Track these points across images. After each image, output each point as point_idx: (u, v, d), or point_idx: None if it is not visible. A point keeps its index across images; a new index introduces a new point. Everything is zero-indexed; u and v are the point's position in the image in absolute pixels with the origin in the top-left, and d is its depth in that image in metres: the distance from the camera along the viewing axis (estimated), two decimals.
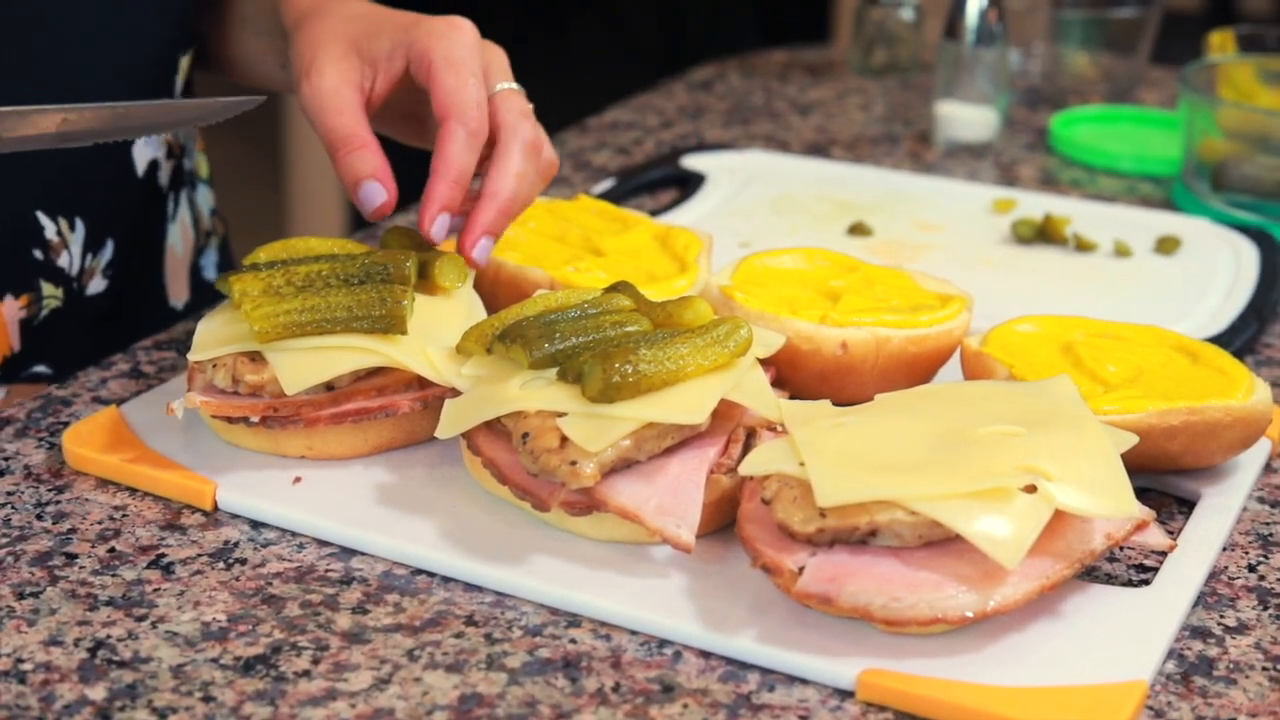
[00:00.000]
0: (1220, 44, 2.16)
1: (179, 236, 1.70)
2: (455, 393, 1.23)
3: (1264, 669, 1.06)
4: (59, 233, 1.51)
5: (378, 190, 1.32)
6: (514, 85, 1.39)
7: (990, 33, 2.04)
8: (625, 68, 4.01)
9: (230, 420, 1.24)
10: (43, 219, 1.49)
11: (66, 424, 1.33)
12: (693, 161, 1.96)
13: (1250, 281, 1.62)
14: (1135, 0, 2.30)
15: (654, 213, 1.78)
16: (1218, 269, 1.66)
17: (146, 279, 1.67)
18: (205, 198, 1.79)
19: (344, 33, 1.39)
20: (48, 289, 1.51)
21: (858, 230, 1.76)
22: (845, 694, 1.03)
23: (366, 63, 1.38)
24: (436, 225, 1.31)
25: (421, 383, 1.26)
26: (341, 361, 1.23)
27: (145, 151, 1.60)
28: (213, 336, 1.27)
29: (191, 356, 1.26)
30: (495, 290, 1.41)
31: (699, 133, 2.17)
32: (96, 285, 1.56)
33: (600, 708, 1.01)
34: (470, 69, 1.35)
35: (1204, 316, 1.55)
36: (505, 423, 1.17)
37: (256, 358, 1.24)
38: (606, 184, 1.86)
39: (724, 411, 1.19)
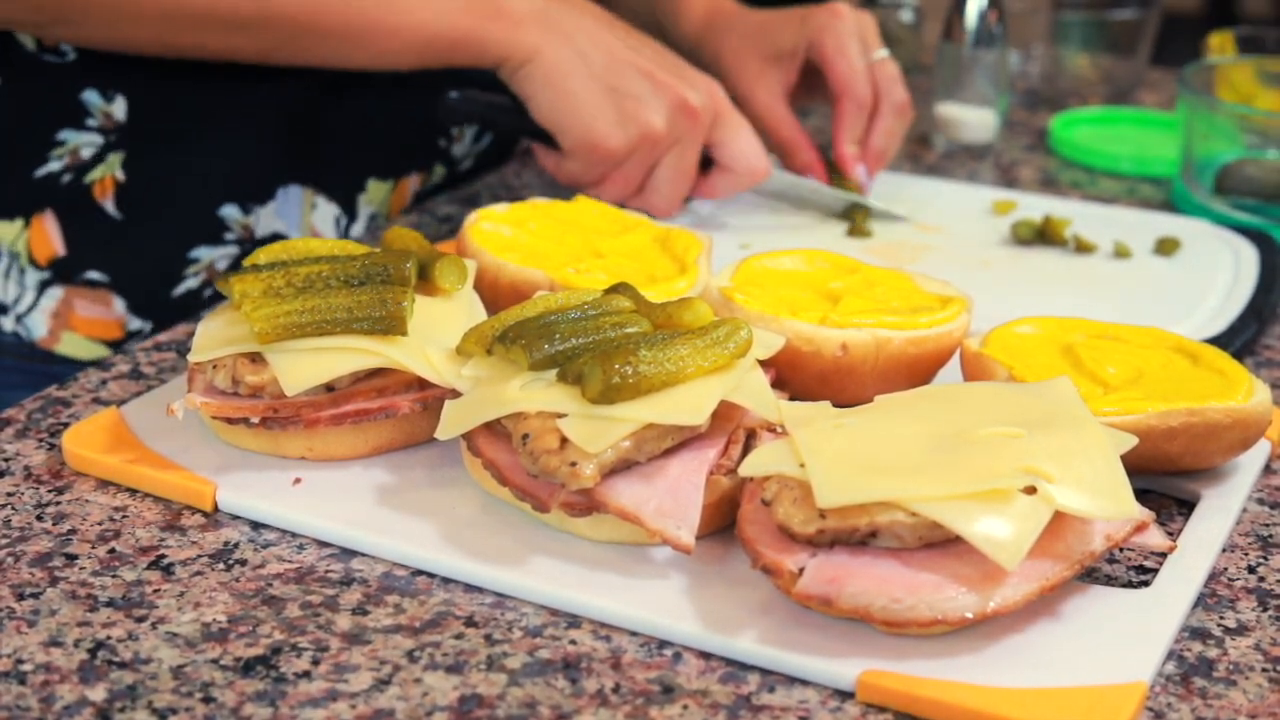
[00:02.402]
0: (1220, 45, 2.16)
1: None
2: (455, 394, 1.23)
3: (1264, 670, 1.06)
4: (462, 128, 1.90)
5: (821, 170, 1.84)
6: (885, 53, 1.85)
7: (990, 34, 2.03)
8: None
9: (230, 421, 1.24)
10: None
11: (67, 425, 1.33)
12: None
13: (1250, 283, 1.62)
14: (1135, 2, 2.30)
15: (654, 214, 1.78)
16: (1217, 270, 1.66)
17: (498, 166, 2.03)
18: None
19: (754, 50, 1.86)
20: (439, 169, 1.91)
21: (857, 232, 1.76)
22: (845, 695, 1.03)
23: (781, 66, 1.86)
24: (859, 172, 1.83)
25: (421, 384, 1.26)
26: (342, 362, 1.23)
27: None
28: (213, 337, 1.27)
29: (192, 357, 1.26)
30: (495, 292, 1.41)
31: None
32: (467, 164, 1.96)
33: (600, 709, 1.01)
34: (856, 51, 1.82)
35: (1203, 318, 1.55)
36: (505, 424, 1.17)
37: (257, 359, 1.24)
38: None
39: (724, 413, 1.19)
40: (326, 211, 1.76)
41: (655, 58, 1.68)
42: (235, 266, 1.70)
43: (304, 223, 1.74)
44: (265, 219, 1.72)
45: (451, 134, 1.90)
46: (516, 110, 1.68)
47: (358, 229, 1.81)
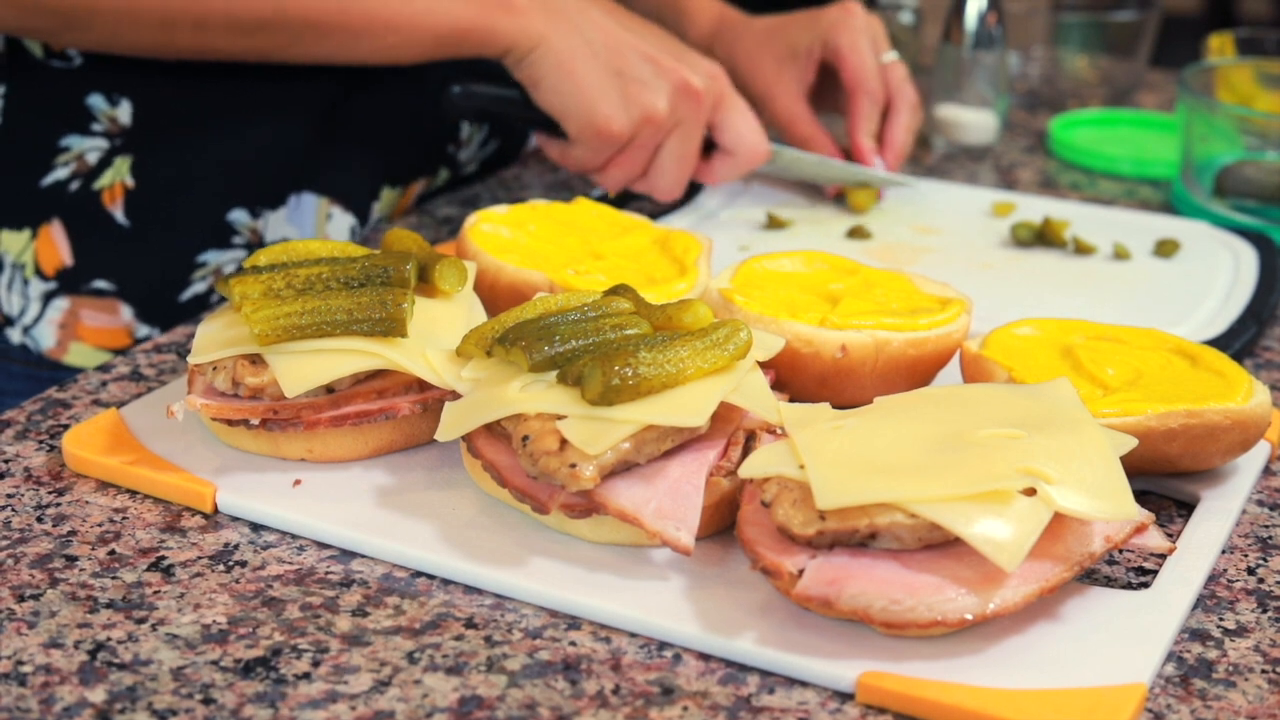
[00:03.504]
0: (1219, 47, 2.16)
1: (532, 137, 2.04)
2: (455, 395, 1.23)
3: (1263, 671, 1.06)
4: (469, 134, 1.92)
5: (835, 150, 1.88)
6: (894, 55, 1.91)
7: (989, 36, 2.04)
8: None
9: (230, 423, 1.24)
10: (464, 123, 1.91)
11: (67, 426, 1.33)
12: None
13: (1249, 284, 1.62)
14: (1134, 3, 2.31)
15: (654, 216, 1.79)
16: (1217, 272, 1.66)
17: (504, 167, 2.05)
18: None
19: (769, 51, 1.91)
20: (444, 173, 1.92)
21: (857, 233, 1.76)
22: (845, 696, 1.03)
23: (798, 65, 1.90)
24: (877, 161, 1.87)
25: (421, 385, 1.26)
26: (342, 364, 1.23)
27: None
28: (213, 339, 1.27)
29: (191, 359, 1.26)
30: (495, 293, 1.41)
31: None
32: (470, 168, 1.97)
33: (600, 710, 1.01)
34: (868, 47, 1.88)
35: (1203, 319, 1.55)
36: (505, 425, 1.17)
37: (256, 360, 1.24)
38: None
39: (723, 414, 1.19)
40: (342, 221, 1.76)
41: (658, 42, 1.69)
42: (239, 269, 1.70)
43: (319, 233, 1.75)
44: (275, 224, 1.72)
45: (460, 138, 1.90)
46: (521, 100, 1.68)
47: (364, 233, 1.81)
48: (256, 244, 1.72)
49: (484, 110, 1.73)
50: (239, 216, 1.70)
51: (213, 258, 1.70)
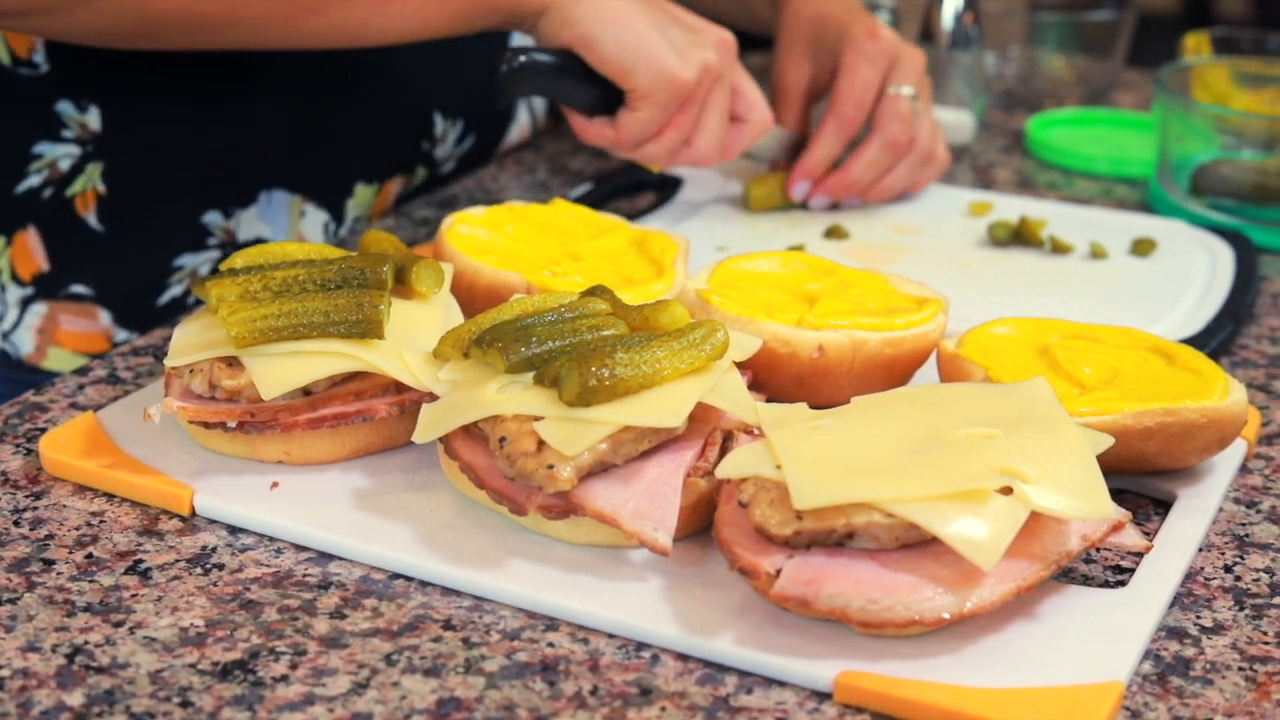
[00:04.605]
0: (1195, 46, 2.16)
1: (514, 134, 2.05)
2: (432, 397, 1.23)
3: (1240, 669, 1.07)
4: (443, 130, 1.89)
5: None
6: (906, 90, 1.78)
7: (966, 36, 2.04)
8: None
9: (207, 425, 1.24)
10: (437, 118, 1.87)
11: (44, 430, 1.33)
12: None
13: (1225, 283, 1.63)
14: (1111, 3, 2.31)
15: (631, 217, 1.79)
16: (1193, 271, 1.67)
17: (480, 166, 2.02)
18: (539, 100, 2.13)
19: (802, 36, 1.83)
20: (420, 171, 1.89)
21: (834, 233, 1.76)
22: (823, 696, 1.03)
23: (817, 62, 1.83)
24: (796, 188, 1.79)
25: (399, 387, 1.26)
26: (319, 366, 1.23)
27: None
28: (189, 342, 1.27)
29: (168, 362, 1.26)
30: (472, 295, 1.41)
31: None
32: (449, 167, 1.94)
33: (578, 711, 1.01)
34: (867, 73, 1.77)
35: (1180, 318, 1.56)
36: (482, 427, 1.17)
37: (234, 363, 1.24)
38: (583, 188, 1.85)
39: (701, 415, 1.19)
40: (315, 218, 1.76)
41: (670, 5, 1.64)
42: (215, 271, 1.69)
43: (292, 229, 1.75)
44: (247, 223, 1.72)
45: (435, 134, 1.89)
46: (576, 66, 1.59)
47: (342, 233, 1.81)
48: (230, 244, 1.71)
49: (537, 84, 1.61)
50: (213, 219, 1.70)
51: (189, 261, 1.70)
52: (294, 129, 1.72)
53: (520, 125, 2.05)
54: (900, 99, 1.78)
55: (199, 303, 1.68)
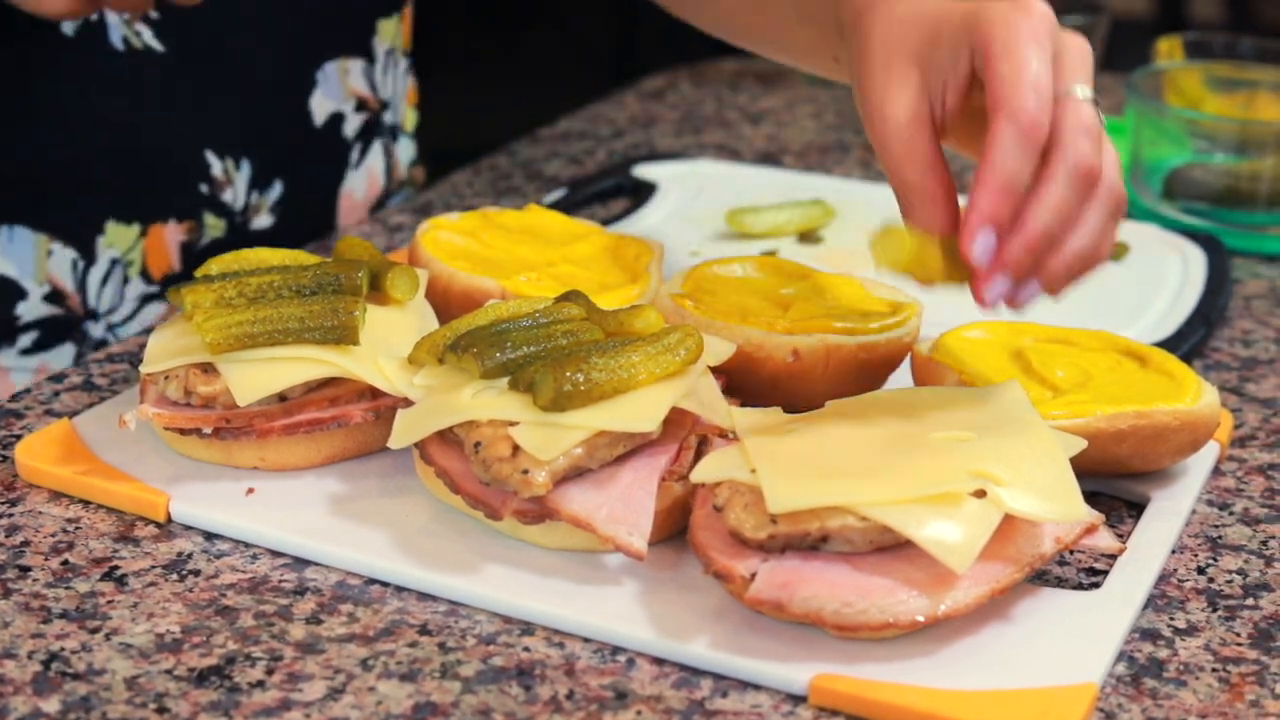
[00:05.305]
0: (1168, 51, 2.17)
1: (361, 182, 1.88)
2: (407, 403, 1.23)
3: (1213, 670, 1.07)
4: (225, 171, 1.69)
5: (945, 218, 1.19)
6: (1087, 92, 1.16)
7: None
8: (577, 77, 4.02)
9: (183, 432, 1.24)
10: (210, 157, 1.68)
11: (19, 437, 1.33)
12: (644, 171, 1.96)
13: (1198, 286, 1.63)
14: (1084, 7, 2.31)
15: (605, 222, 1.79)
16: (1166, 274, 1.67)
17: (318, 218, 1.83)
18: (406, 149, 1.98)
19: (903, 43, 1.22)
20: (210, 219, 1.70)
21: (808, 238, 1.77)
22: (798, 699, 1.04)
23: (934, 78, 1.20)
24: (978, 244, 1.13)
25: (374, 393, 1.26)
26: (294, 372, 1.23)
27: (326, 104, 1.78)
28: (164, 348, 1.27)
29: (143, 369, 1.26)
30: (447, 300, 1.41)
31: (650, 142, 2.18)
32: (263, 220, 1.75)
33: (554, 715, 1.02)
34: (1031, 54, 1.14)
35: (1152, 321, 1.56)
36: (457, 432, 1.18)
37: (209, 369, 1.24)
38: (558, 194, 1.86)
39: (676, 419, 1.20)
40: (63, 256, 1.63)
41: None
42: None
43: (39, 269, 1.62)
44: None
45: (214, 179, 1.70)
46: None
47: (97, 272, 1.66)
48: None
49: None
50: None
51: None
52: (26, 165, 1.60)
53: (367, 173, 1.90)
54: (1084, 105, 1.15)
55: (173, 309, 1.68)
